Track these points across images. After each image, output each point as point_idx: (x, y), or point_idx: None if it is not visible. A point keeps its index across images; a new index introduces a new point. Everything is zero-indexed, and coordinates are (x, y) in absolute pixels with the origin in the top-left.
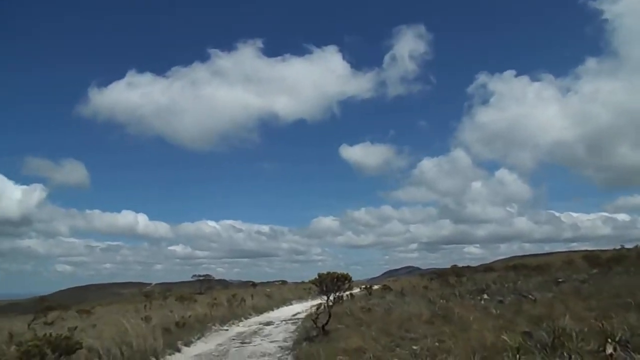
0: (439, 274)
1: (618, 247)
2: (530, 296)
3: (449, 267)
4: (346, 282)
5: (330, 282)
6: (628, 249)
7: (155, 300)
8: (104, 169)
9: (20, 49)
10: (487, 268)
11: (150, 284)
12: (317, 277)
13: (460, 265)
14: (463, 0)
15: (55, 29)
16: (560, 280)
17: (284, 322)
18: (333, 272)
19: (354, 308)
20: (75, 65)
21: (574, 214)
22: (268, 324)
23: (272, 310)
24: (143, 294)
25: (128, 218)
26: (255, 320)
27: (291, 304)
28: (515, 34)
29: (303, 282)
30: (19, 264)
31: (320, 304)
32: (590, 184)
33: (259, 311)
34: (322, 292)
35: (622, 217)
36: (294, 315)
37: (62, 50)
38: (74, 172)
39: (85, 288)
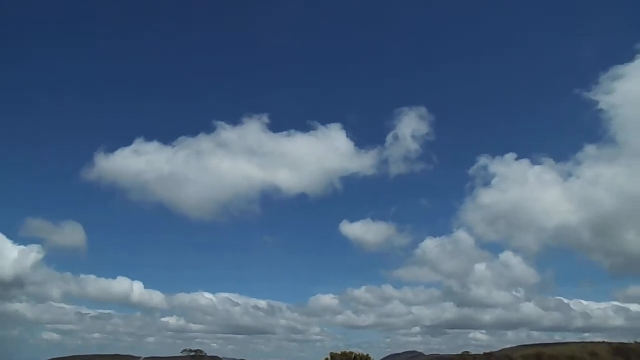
0: None
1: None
2: None
3: (456, 354)
4: None
5: None
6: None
7: None
8: (103, 233)
9: (35, 111)
10: (503, 357)
11: (140, 358)
12: (329, 358)
13: (468, 352)
14: (463, 85)
15: (69, 94)
16: None
17: None
18: (349, 353)
19: None
20: (84, 131)
21: (584, 302)
22: None
23: None
24: None
25: (123, 285)
26: None
27: None
28: (515, 118)
29: None
30: (5, 329)
31: None
32: (599, 269)
33: None
34: None
35: (635, 307)
36: None
37: (73, 117)
38: (72, 234)
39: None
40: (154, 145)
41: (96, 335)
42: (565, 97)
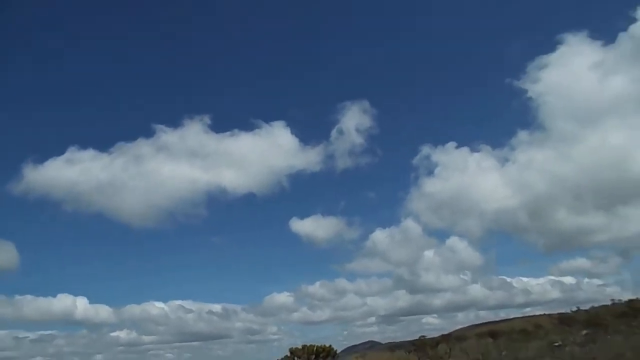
0: (417, 346)
1: (574, 309)
2: None
3: (411, 339)
4: (329, 358)
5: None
6: (586, 311)
7: None
8: (38, 249)
9: None
10: (459, 337)
11: None
12: (290, 355)
13: (424, 335)
14: (403, 77)
15: None
16: (556, 344)
17: None
18: (310, 346)
19: None
20: (8, 142)
21: (524, 279)
22: None
23: None
24: None
25: (65, 302)
26: None
27: None
28: (452, 108)
29: None
30: None
31: None
32: (535, 248)
33: None
34: None
35: (568, 279)
36: None
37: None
38: (1, 253)
39: None
40: (89, 153)
41: (38, 358)
42: (497, 87)
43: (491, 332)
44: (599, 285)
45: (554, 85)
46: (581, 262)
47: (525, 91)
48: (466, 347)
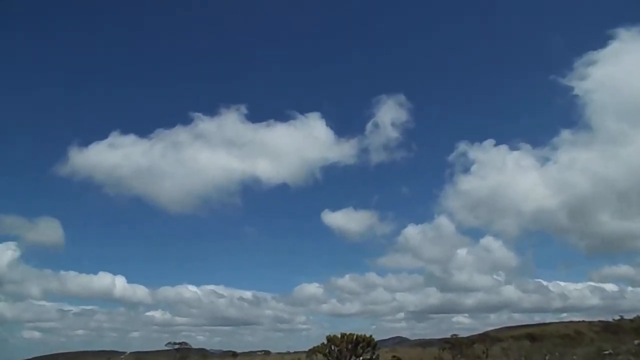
0: (452, 344)
1: (617, 317)
2: None
3: (440, 337)
4: (369, 349)
5: (347, 350)
6: (631, 320)
7: None
8: (81, 228)
9: (3, 104)
10: (494, 338)
11: (124, 353)
12: (326, 343)
13: (456, 334)
14: (441, 72)
15: (41, 85)
16: (606, 352)
17: None
18: (349, 334)
19: None
20: (56, 125)
21: (562, 283)
22: None
23: None
24: None
25: (105, 280)
26: None
27: None
28: (493, 105)
29: (288, 353)
30: None
31: None
32: (575, 251)
33: None
34: None
35: (610, 287)
36: None
37: (45, 110)
38: (49, 230)
39: (52, 357)
40: (130, 138)
41: (79, 331)
42: (541, 83)
43: (529, 335)
44: None
45: (602, 82)
46: (624, 269)
47: (572, 88)
48: (505, 347)
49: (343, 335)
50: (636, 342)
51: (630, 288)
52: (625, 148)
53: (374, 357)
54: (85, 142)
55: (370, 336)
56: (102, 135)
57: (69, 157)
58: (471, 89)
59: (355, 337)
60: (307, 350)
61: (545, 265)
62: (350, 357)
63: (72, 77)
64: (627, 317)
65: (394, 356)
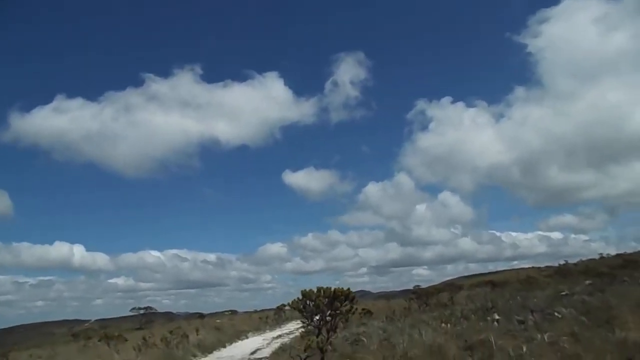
0: (417, 294)
1: (562, 262)
2: (555, 314)
3: (402, 289)
4: (346, 302)
5: (324, 304)
6: (575, 264)
7: (84, 339)
8: (30, 197)
9: None
10: (455, 287)
11: (89, 320)
12: (301, 298)
13: (419, 285)
14: (400, 30)
15: None
16: (563, 293)
17: None
18: (327, 289)
19: (335, 341)
20: None
21: (513, 234)
22: None
23: (224, 347)
24: (71, 334)
25: (62, 249)
26: None
27: (247, 337)
28: (449, 62)
29: (256, 311)
30: None
31: (306, 335)
32: (526, 204)
33: (206, 349)
34: (309, 320)
35: (556, 235)
36: (252, 353)
37: None
38: None
39: (12, 330)
40: (78, 102)
41: (39, 303)
42: (496, 41)
43: (490, 282)
44: (584, 241)
45: (555, 40)
46: (569, 218)
47: (525, 46)
48: (471, 294)
49: (319, 289)
50: (587, 282)
51: (573, 235)
52: (575, 104)
53: (352, 309)
54: (28, 107)
55: (348, 289)
56: (46, 99)
57: (10, 123)
58: (429, 48)
59: (333, 290)
60: (274, 307)
61: (498, 218)
62: (329, 312)
63: (11, 38)
64: (571, 261)
65: (363, 308)
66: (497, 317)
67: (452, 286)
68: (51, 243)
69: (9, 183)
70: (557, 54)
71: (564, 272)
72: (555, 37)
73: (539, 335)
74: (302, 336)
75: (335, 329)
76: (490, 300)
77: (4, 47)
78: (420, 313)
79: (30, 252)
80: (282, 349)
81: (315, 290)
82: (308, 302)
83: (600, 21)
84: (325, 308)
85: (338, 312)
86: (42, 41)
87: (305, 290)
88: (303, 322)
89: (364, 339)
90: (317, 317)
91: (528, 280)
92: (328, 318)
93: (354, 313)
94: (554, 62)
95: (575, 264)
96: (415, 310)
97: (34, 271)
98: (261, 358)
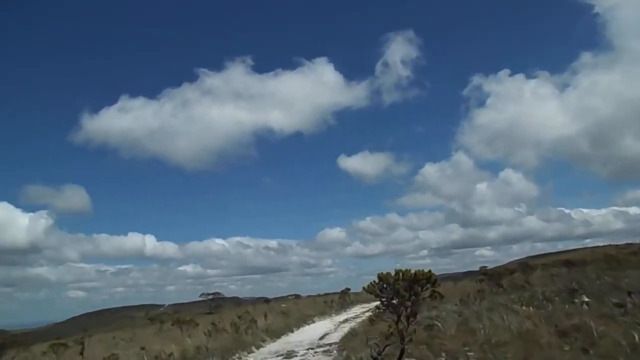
0: (488, 275)
1: None
2: None
3: (464, 270)
4: (428, 285)
5: (404, 288)
6: None
7: (159, 323)
8: (104, 192)
9: (9, 76)
10: (527, 267)
11: (163, 305)
12: (377, 281)
13: (485, 266)
14: (448, 3)
15: (48, 55)
16: None
17: (311, 350)
18: (406, 271)
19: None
20: (64, 94)
21: (585, 210)
22: (289, 356)
23: (292, 332)
24: (148, 317)
25: (135, 240)
26: (270, 349)
27: (313, 322)
28: (505, 33)
29: (319, 295)
30: (32, 292)
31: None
32: (598, 178)
33: (275, 334)
34: (387, 305)
35: (634, 210)
36: (321, 338)
37: (51, 79)
38: (75, 197)
39: (99, 313)
40: (140, 101)
41: (119, 289)
42: (557, 3)
43: (566, 261)
44: None
45: None
46: None
47: (591, 6)
48: (548, 275)
49: (398, 271)
50: None
51: None
52: None
53: (434, 294)
54: (96, 109)
55: (430, 271)
56: (112, 100)
57: (82, 124)
58: (482, 18)
59: (413, 273)
60: (337, 291)
61: (566, 194)
62: (410, 297)
63: (76, 46)
64: None
65: (433, 291)
66: (586, 299)
67: (525, 266)
68: (126, 234)
69: (84, 180)
70: (629, 13)
71: None
72: None
73: None
74: (370, 320)
75: (416, 315)
76: (574, 280)
77: (72, 48)
78: (495, 295)
79: (108, 242)
80: (352, 333)
81: (393, 273)
82: (386, 285)
83: None
84: (405, 292)
85: (419, 296)
86: (101, 42)
87: (382, 273)
88: (379, 308)
89: (439, 324)
90: (395, 302)
91: (614, 258)
92: (408, 303)
93: (436, 297)
94: (625, 22)
95: None
96: (489, 292)
97: (113, 260)
98: (331, 343)
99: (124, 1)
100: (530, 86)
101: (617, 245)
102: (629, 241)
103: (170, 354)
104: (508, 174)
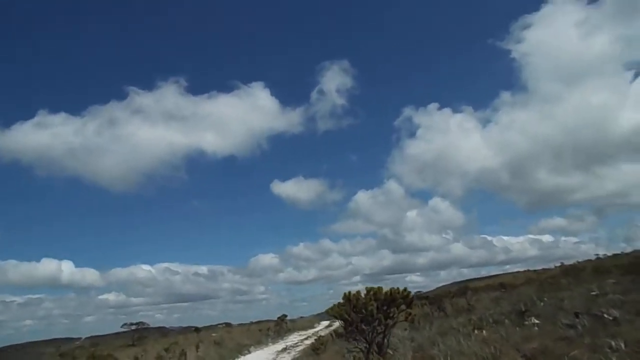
0: (429, 300)
1: (558, 264)
2: (605, 315)
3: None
4: (401, 305)
5: (377, 308)
6: (572, 265)
7: None
8: (14, 214)
9: None
10: (465, 290)
11: (80, 338)
12: (342, 303)
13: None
14: (383, 38)
15: None
16: (594, 293)
17: None
18: (378, 288)
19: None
20: None
21: (505, 237)
22: None
23: None
24: (59, 353)
25: (50, 266)
26: None
27: (249, 352)
28: (434, 69)
29: (252, 323)
30: None
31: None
32: (516, 207)
33: None
34: (354, 332)
35: (546, 238)
36: None
37: None
38: None
39: (1, 351)
40: (60, 117)
41: (27, 321)
42: (480, 47)
43: (501, 284)
44: (574, 243)
45: (537, 45)
46: (558, 221)
47: (509, 52)
48: (497, 297)
49: (370, 290)
50: (610, 281)
51: (563, 238)
52: (560, 107)
53: (410, 316)
54: (7, 123)
55: (405, 289)
56: (28, 114)
57: None
58: (414, 55)
59: (389, 291)
60: (269, 319)
61: (489, 222)
62: (386, 320)
63: None
64: (566, 263)
65: (409, 313)
66: (535, 320)
67: (465, 289)
68: (38, 260)
69: None
70: (541, 59)
71: (574, 272)
72: (538, 42)
73: (612, 343)
74: (314, 349)
75: (388, 342)
76: (523, 302)
77: None
78: (441, 319)
79: (17, 269)
80: None
81: (363, 291)
82: (355, 308)
83: (581, 25)
84: (379, 314)
85: (395, 319)
86: (24, 52)
87: (348, 293)
88: (350, 339)
89: (390, 351)
90: (365, 327)
91: (545, 281)
92: (379, 328)
93: (413, 320)
94: (537, 67)
95: (572, 266)
96: (435, 316)
97: (22, 289)
98: None
99: (53, 6)
100: (456, 120)
101: (535, 270)
102: (544, 266)
103: None
104: (436, 202)
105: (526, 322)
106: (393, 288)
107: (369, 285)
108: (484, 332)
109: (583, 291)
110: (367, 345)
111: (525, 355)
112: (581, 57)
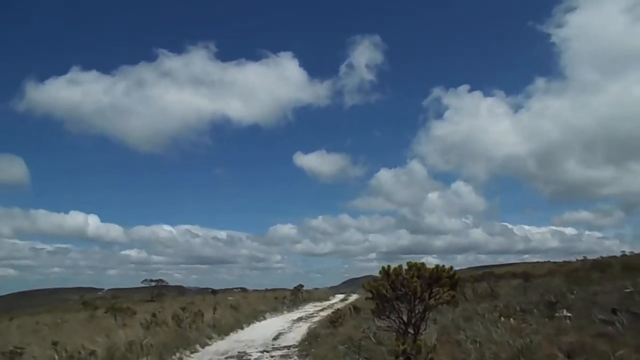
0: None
1: (580, 257)
2: None
3: None
4: (444, 285)
5: (421, 289)
6: (596, 260)
7: (92, 309)
8: (46, 166)
9: None
10: (490, 275)
11: (102, 289)
12: (380, 277)
13: None
14: (417, 15)
15: None
16: (628, 290)
17: (266, 353)
18: (421, 264)
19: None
20: (8, 59)
21: (526, 227)
22: (240, 359)
23: (242, 328)
24: (82, 302)
25: (77, 219)
26: (217, 348)
27: (265, 318)
28: (469, 50)
29: (267, 290)
30: None
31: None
32: (540, 197)
33: (223, 331)
34: (387, 309)
35: (569, 230)
36: (275, 338)
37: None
38: (12, 168)
39: (31, 293)
40: (92, 74)
41: (55, 269)
42: (518, 30)
43: (524, 273)
44: (598, 238)
45: (580, 30)
46: (584, 214)
47: (549, 36)
48: (514, 286)
49: (412, 266)
50: None
51: (587, 232)
52: (596, 98)
53: (454, 298)
54: (42, 77)
55: (451, 268)
56: (61, 70)
57: (26, 92)
58: (448, 35)
59: (435, 268)
60: (283, 287)
61: (511, 210)
62: (429, 299)
63: (27, 9)
64: (589, 257)
65: (453, 295)
66: (567, 313)
67: (490, 274)
68: (67, 212)
69: (24, 151)
70: (582, 45)
71: (601, 267)
72: (581, 27)
73: None
74: (331, 322)
75: (426, 323)
76: (552, 293)
77: (18, 14)
78: (463, 303)
79: (47, 219)
80: (312, 335)
81: (405, 267)
82: (397, 285)
83: (628, 11)
84: (423, 294)
85: (438, 299)
86: (61, 9)
87: (387, 267)
88: (382, 317)
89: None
90: (403, 307)
91: (573, 273)
92: (419, 307)
93: (457, 303)
94: (577, 53)
95: (597, 260)
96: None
97: (51, 238)
98: (288, 346)
99: None
100: (486, 104)
101: (555, 262)
102: (565, 259)
103: (92, 353)
104: (459, 185)
105: (557, 314)
106: (439, 266)
107: (384, 262)
108: (512, 320)
109: (616, 287)
110: (404, 326)
111: (561, 348)
112: (626, 45)
